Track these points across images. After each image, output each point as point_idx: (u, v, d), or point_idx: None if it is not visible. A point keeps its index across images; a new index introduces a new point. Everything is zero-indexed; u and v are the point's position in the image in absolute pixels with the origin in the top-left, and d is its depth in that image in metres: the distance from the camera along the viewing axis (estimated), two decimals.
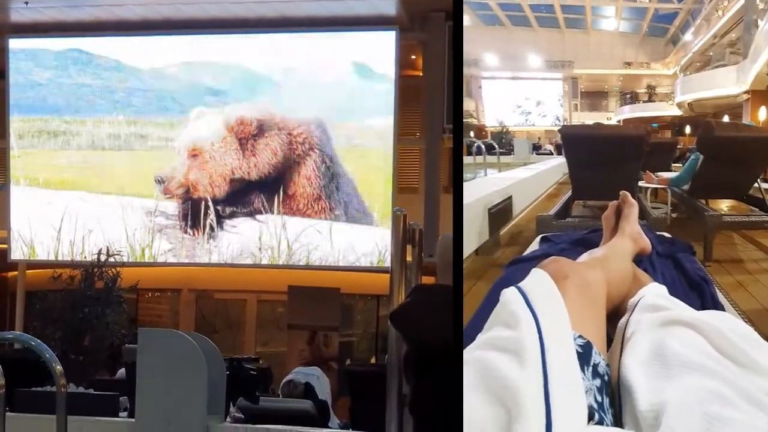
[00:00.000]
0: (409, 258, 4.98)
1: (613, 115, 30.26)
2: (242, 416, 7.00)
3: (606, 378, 1.55)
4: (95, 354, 9.15)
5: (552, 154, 22.63)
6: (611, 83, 30.10)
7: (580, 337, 1.53)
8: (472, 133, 23.34)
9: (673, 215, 8.28)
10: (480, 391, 1.33)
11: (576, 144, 8.22)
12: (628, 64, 29.03)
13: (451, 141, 11.05)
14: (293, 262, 12.38)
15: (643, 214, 2.61)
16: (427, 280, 4.75)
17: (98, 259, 9.77)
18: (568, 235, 3.36)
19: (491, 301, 2.50)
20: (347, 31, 12.46)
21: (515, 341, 1.40)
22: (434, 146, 12.74)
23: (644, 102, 29.96)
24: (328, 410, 8.18)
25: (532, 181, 10.70)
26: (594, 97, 30.49)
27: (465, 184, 11.94)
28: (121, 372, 8.31)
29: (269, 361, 11.76)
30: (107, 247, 10.04)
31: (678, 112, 28.24)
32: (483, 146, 14.18)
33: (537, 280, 1.64)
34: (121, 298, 9.61)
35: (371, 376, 7.65)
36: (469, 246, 6.39)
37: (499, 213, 7.29)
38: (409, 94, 13.12)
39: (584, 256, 2.34)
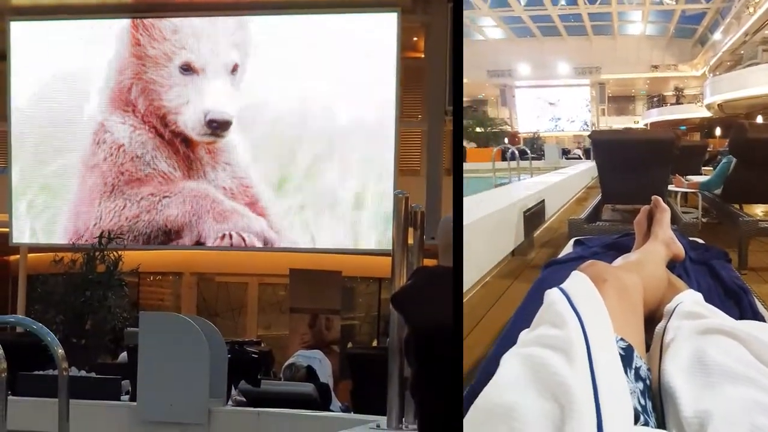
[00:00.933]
0: (410, 241, 4.97)
1: (641, 119, 29.99)
2: (244, 399, 7.02)
3: (648, 382, 1.57)
4: (97, 338, 9.15)
5: (580, 158, 22.88)
6: (638, 87, 29.95)
7: (621, 340, 1.54)
8: (506, 140, 23.75)
9: (704, 220, 8.17)
10: (532, 385, 1.34)
11: (606, 148, 8.22)
12: (655, 67, 28.68)
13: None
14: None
15: (673, 219, 2.64)
16: (429, 262, 4.73)
17: (100, 242, 9.76)
18: (600, 238, 3.38)
19: (532, 300, 2.52)
20: (349, 13, 12.41)
21: (563, 340, 1.42)
22: (436, 128, 12.71)
23: (672, 105, 29.59)
24: (330, 393, 8.18)
25: (562, 185, 10.97)
26: (621, 101, 30.34)
27: (501, 188, 12.07)
28: (123, 356, 8.32)
29: (271, 344, 11.78)
30: (108, 230, 10.03)
31: (707, 114, 27.94)
32: (516, 152, 14.57)
33: (578, 283, 1.65)
34: (122, 281, 9.61)
35: (373, 359, 7.67)
36: (506, 247, 6.59)
37: (533, 216, 7.45)
38: (411, 76, 13.08)
39: (619, 261, 2.36)
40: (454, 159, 2.21)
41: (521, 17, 23.84)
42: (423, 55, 13.79)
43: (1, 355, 4.08)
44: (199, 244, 12.30)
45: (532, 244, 7.25)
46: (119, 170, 12.50)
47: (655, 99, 30.19)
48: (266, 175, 12.34)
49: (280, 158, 12.33)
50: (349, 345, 13.49)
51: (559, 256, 3.33)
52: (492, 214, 6.45)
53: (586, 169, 13.77)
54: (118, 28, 12.66)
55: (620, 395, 1.36)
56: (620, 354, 1.49)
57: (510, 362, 1.45)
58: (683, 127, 27.23)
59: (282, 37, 12.41)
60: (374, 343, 14.11)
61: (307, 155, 12.29)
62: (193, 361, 6.43)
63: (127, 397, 7.08)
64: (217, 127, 12.21)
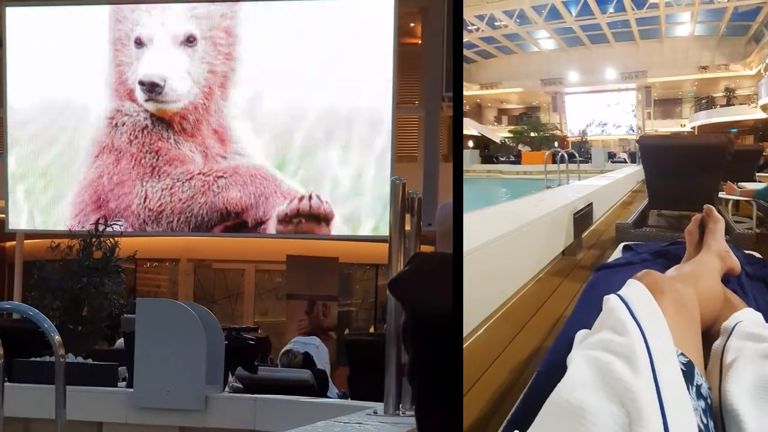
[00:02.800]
0: (407, 227, 4.96)
1: (687, 122, 29.51)
2: (241, 386, 7.01)
3: (709, 401, 1.53)
4: (94, 324, 9.12)
5: (626, 161, 22.99)
6: (685, 89, 29.56)
7: (682, 355, 1.51)
8: (556, 144, 24.12)
9: (758, 231, 7.88)
10: (600, 388, 1.34)
11: (654, 153, 8.14)
12: (704, 68, 28.15)
13: (451, 109, 10.99)
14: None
15: (726, 229, 2.58)
16: (426, 248, 4.73)
17: (96, 228, 9.72)
18: (649, 245, 3.34)
19: (586, 301, 2.52)
20: None
21: (626, 347, 1.41)
22: (433, 114, 12.70)
23: (722, 106, 28.73)
24: (327, 380, 8.19)
25: (609, 189, 11.03)
26: (667, 105, 30.01)
27: (552, 190, 12.12)
28: (120, 342, 8.32)
29: (268, 330, 11.78)
30: (105, 216, 10.01)
31: (762, 115, 27.01)
32: (566, 155, 15.15)
33: (636, 292, 1.63)
34: (119, 268, 9.56)
35: (370, 346, 7.66)
36: (557, 248, 6.69)
37: (582, 218, 7.49)
38: (407, 62, 13.05)
39: (672, 271, 2.30)
40: (454, 146, 2.20)
41: (572, 27, 24.17)
42: (420, 41, 13.76)
43: None
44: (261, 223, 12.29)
45: (580, 245, 7.28)
46: (150, 150, 12.51)
47: (704, 101, 29.36)
48: (263, 161, 12.31)
49: (276, 145, 12.30)
50: (346, 331, 13.49)
51: (609, 260, 3.32)
52: (547, 215, 6.60)
53: (631, 173, 13.88)
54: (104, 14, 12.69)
55: (684, 409, 1.35)
56: (681, 369, 1.46)
57: (578, 362, 1.44)
58: (734, 130, 26.56)
59: (278, 23, 12.36)
60: (371, 330, 14.11)
61: (304, 142, 12.26)
62: (190, 347, 6.43)
63: (123, 383, 7.07)
64: (147, 89, 12.26)
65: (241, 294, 14.91)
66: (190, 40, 12.27)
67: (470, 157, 23.97)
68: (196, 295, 14.38)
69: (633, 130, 28.96)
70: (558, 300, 5.14)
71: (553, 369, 1.56)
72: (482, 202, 14.62)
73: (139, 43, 12.39)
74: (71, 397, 4.68)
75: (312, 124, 12.22)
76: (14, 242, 14.13)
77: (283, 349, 8.64)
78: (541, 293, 5.42)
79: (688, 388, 1.44)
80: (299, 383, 7.32)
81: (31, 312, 4.72)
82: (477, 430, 3.08)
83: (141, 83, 12.29)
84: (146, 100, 12.35)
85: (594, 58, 26.76)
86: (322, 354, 8.92)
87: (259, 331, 9.89)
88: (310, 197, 12.02)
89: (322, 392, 7.58)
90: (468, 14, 21.76)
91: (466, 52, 24.03)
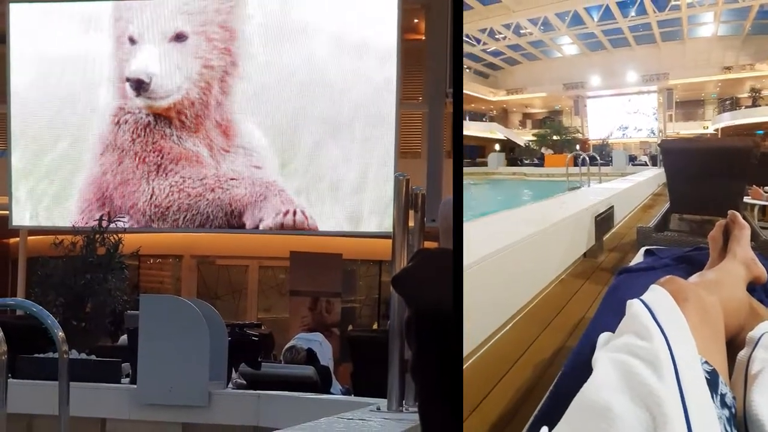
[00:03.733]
0: (411, 223, 4.96)
1: (710, 124, 29.07)
2: (244, 382, 7.02)
3: (733, 410, 1.52)
4: (97, 320, 9.14)
5: (647, 164, 22.93)
6: (708, 90, 29.14)
7: (706, 363, 1.50)
8: (578, 146, 24.28)
9: None
10: (625, 391, 1.35)
11: (676, 157, 8.07)
12: (728, 69, 27.68)
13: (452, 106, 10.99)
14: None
15: (752, 236, 2.53)
16: (430, 244, 4.73)
17: (100, 225, 9.74)
18: (672, 250, 3.31)
19: (608, 304, 2.52)
20: None
21: (651, 353, 1.41)
22: (437, 111, 12.67)
23: (747, 107, 27.95)
24: (330, 376, 8.18)
25: (630, 192, 11.07)
26: (689, 107, 29.60)
27: (574, 193, 12.18)
28: (123, 338, 8.32)
29: (271, 327, 11.78)
30: (108, 212, 10.02)
31: None
32: (587, 158, 15.29)
33: (659, 298, 1.61)
34: (122, 264, 9.59)
35: (373, 342, 7.67)
36: (579, 249, 6.76)
37: (604, 221, 7.53)
38: (411, 58, 13.03)
39: (695, 278, 2.25)
40: (454, 142, 2.19)
41: (594, 32, 24.33)
42: (423, 37, 13.74)
43: (1, 337, 4.08)
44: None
45: (601, 248, 7.32)
46: (154, 149, 12.53)
47: (728, 102, 28.69)
48: (267, 156, 12.31)
49: (280, 141, 12.30)
50: (350, 328, 13.50)
51: (630, 264, 3.31)
52: (570, 217, 6.68)
53: (652, 176, 13.95)
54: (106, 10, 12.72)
55: (709, 416, 1.34)
56: (706, 378, 1.45)
57: (604, 364, 1.44)
58: (760, 132, 25.94)
59: (281, 19, 12.35)
60: (375, 326, 14.12)
61: (308, 138, 12.26)
62: (194, 343, 6.43)
63: (127, 379, 7.08)
64: (134, 85, 12.30)
65: (244, 290, 14.92)
66: (179, 37, 12.27)
67: (497, 159, 24.24)
68: (200, 292, 14.39)
69: (654, 133, 28.75)
70: (580, 301, 5.19)
71: (577, 369, 1.57)
72: (507, 203, 14.76)
73: (132, 40, 12.42)
74: (74, 393, 4.69)
75: (315, 120, 12.22)
76: (18, 238, 14.15)
77: (287, 346, 8.63)
78: (563, 294, 5.47)
79: (712, 397, 1.43)
80: (302, 379, 7.32)
81: (35, 308, 4.72)
82: (503, 425, 3.12)
83: (128, 80, 12.33)
84: (136, 96, 12.38)
85: (615, 62, 26.80)
86: (325, 350, 8.91)
87: (263, 328, 9.89)
88: (294, 212, 12.03)
89: (326, 388, 7.58)
90: (495, 23, 22.08)
91: (494, 59, 24.46)
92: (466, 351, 4.05)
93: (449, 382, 2.11)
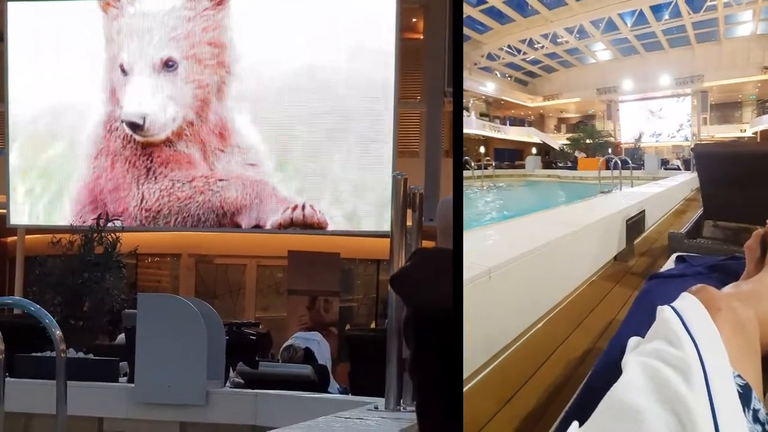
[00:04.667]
0: (409, 222, 4.95)
1: (748, 127, 28.43)
2: (242, 381, 7.02)
3: (766, 427, 1.47)
4: (95, 319, 9.14)
5: (679, 168, 22.76)
6: (746, 92, 28.53)
7: (738, 376, 1.46)
8: (610, 150, 24.43)
9: None
10: (654, 395, 1.34)
11: (710, 163, 7.91)
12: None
13: (452, 105, 11.00)
14: None
15: None
16: (428, 244, 4.72)
17: (97, 224, 9.73)
18: (704, 258, 3.25)
19: (638, 309, 2.47)
20: None
21: (681, 361, 1.39)
22: (435, 110, 12.66)
23: None
24: (328, 375, 8.18)
25: (662, 196, 10.97)
26: (725, 109, 29.02)
27: (605, 196, 12.11)
28: (121, 337, 8.32)
29: (269, 326, 11.77)
30: (106, 212, 10.02)
31: None
32: (619, 162, 15.49)
33: (691, 307, 1.58)
34: (120, 263, 9.58)
35: (371, 341, 7.66)
36: (610, 252, 6.78)
37: (635, 225, 7.52)
38: (409, 58, 13.03)
39: (729, 288, 2.14)
40: (453, 141, 2.19)
41: (627, 37, 24.48)
42: (422, 36, 13.73)
43: None
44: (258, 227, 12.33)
45: (632, 252, 7.31)
46: (143, 153, 12.55)
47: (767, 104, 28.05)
48: (263, 157, 12.31)
49: (279, 140, 12.30)
50: (348, 327, 13.50)
51: (661, 269, 3.29)
52: (601, 220, 6.73)
53: (685, 181, 13.68)
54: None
55: (739, 429, 1.33)
56: (738, 392, 1.42)
57: (633, 367, 1.43)
58: None
59: (279, 18, 12.35)
60: (373, 325, 14.11)
61: (306, 137, 12.26)
62: (191, 342, 6.43)
63: (124, 378, 7.08)
64: (129, 126, 12.39)
65: (242, 289, 14.91)
66: (169, 65, 12.26)
67: (533, 162, 24.47)
68: (198, 291, 14.38)
69: (688, 138, 28.44)
70: (610, 304, 5.22)
71: (607, 370, 1.58)
72: (542, 204, 14.93)
73: (123, 71, 12.42)
74: (72, 392, 4.69)
75: (313, 119, 12.22)
76: (15, 237, 14.13)
77: (284, 345, 8.64)
78: (594, 296, 5.51)
79: (744, 411, 1.41)
80: (300, 378, 7.32)
81: (33, 307, 4.72)
82: (534, 419, 3.17)
83: (122, 121, 12.38)
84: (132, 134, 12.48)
85: (648, 66, 26.65)
86: (323, 349, 8.91)
87: (260, 327, 9.90)
88: (303, 207, 12.04)
89: (323, 387, 7.58)
90: (534, 34, 22.33)
91: (532, 68, 24.78)
92: (499, 346, 4.10)
93: (447, 382, 2.11)
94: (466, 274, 3.86)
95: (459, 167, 1.93)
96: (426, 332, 3.79)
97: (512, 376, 3.82)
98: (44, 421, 5.97)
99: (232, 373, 7.10)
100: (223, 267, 15.08)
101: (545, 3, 19.96)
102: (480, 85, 22.64)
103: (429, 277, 3.80)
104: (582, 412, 1.46)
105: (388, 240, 4.88)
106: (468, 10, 17.15)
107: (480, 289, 3.90)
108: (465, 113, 21.11)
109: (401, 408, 4.88)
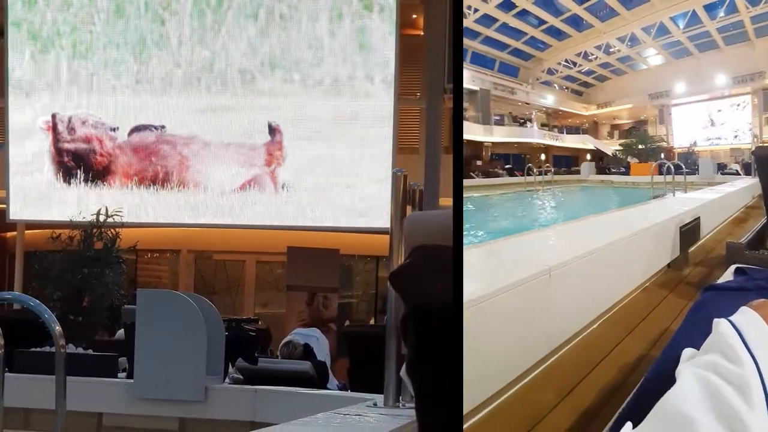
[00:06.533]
0: None
1: None
2: (241, 377, 7.01)
3: None
4: (94, 315, 9.14)
5: (738, 173, 22.28)
6: None
7: None
8: (662, 155, 24.37)
9: None
10: (709, 409, 1.32)
11: None
12: None
13: (452, 101, 11.00)
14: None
15: None
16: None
17: (97, 219, 9.72)
18: (766, 271, 3.22)
19: (693, 320, 2.43)
20: None
21: (740, 377, 1.36)
22: (435, 106, 12.66)
23: None
24: (327, 371, 8.19)
25: (718, 203, 10.53)
26: None
27: (658, 201, 11.89)
28: (120, 333, 8.32)
29: (268, 322, 11.78)
30: (106, 207, 10.00)
31: None
32: (672, 167, 15.25)
33: (750, 322, 1.54)
34: (120, 258, 9.58)
35: (370, 338, 7.65)
36: (663, 259, 6.62)
37: (689, 232, 7.33)
38: (409, 54, 13.02)
39: None
40: (454, 138, 2.18)
41: (680, 40, 24.29)
42: (422, 33, 13.73)
43: None
44: None
45: (686, 261, 7.13)
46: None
47: None
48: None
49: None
50: (347, 323, 13.49)
51: (719, 281, 3.24)
52: (654, 226, 6.63)
53: (745, 187, 13.03)
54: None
55: None
56: None
57: (688, 377, 1.41)
58: None
59: (280, 13, 12.35)
60: (372, 322, 14.12)
61: (306, 133, 12.26)
62: (191, 338, 6.43)
63: (124, 374, 7.07)
64: None
65: (241, 285, 14.92)
66: None
67: (588, 168, 24.61)
68: (197, 286, 14.38)
69: (749, 140, 27.82)
70: (663, 312, 5.17)
71: (659, 378, 1.58)
72: (595, 208, 15.05)
73: None
74: (71, 387, 4.68)
75: (314, 115, 12.22)
76: (15, 232, 14.13)
77: (284, 341, 8.64)
78: (647, 302, 5.47)
79: None
80: (299, 375, 7.32)
81: (32, 302, 4.71)
82: (590, 417, 3.19)
83: None
84: None
85: (702, 67, 26.19)
86: (322, 345, 8.92)
87: (260, 323, 9.90)
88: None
89: (322, 384, 7.58)
90: (589, 46, 22.63)
91: (587, 78, 25.12)
92: (558, 341, 4.12)
93: (447, 380, 2.11)
94: (529, 271, 3.90)
95: (459, 164, 1.93)
96: (425, 330, 3.79)
97: (570, 372, 3.87)
98: (43, 416, 5.96)
99: (231, 369, 7.09)
100: (223, 263, 15.09)
101: (598, 16, 20.44)
102: (541, 98, 23.32)
103: (429, 275, 3.80)
104: (634, 416, 1.45)
105: (388, 236, 4.87)
106: (531, 31, 19.08)
107: (541, 286, 3.94)
108: (528, 124, 22.23)
109: (400, 405, 4.88)
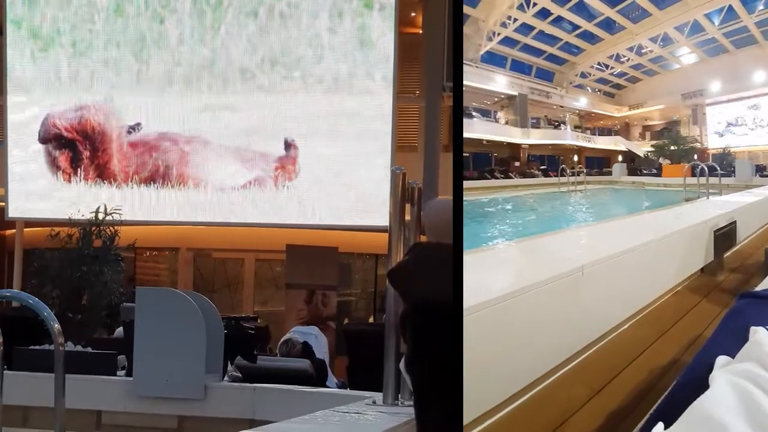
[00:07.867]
0: (407, 217, 4.96)
1: None
2: (240, 375, 7.01)
3: None
4: (93, 313, 9.15)
5: None
6: None
7: None
8: (695, 156, 24.12)
9: None
10: (743, 416, 1.33)
11: None
12: None
13: (451, 99, 10.98)
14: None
15: None
16: (426, 238, 4.73)
17: (96, 217, 9.72)
18: None
19: (728, 328, 2.44)
20: None
21: None
22: (434, 104, 12.65)
23: None
24: (326, 369, 8.19)
25: (756, 207, 10.18)
26: None
27: (691, 204, 11.59)
28: (119, 331, 8.32)
29: (267, 320, 11.79)
30: (105, 205, 10.00)
31: None
32: (706, 168, 14.81)
33: None
34: (119, 256, 9.59)
35: (369, 336, 7.66)
36: (695, 263, 6.48)
37: (724, 236, 7.13)
38: (408, 52, 13.01)
39: None
40: (453, 137, 2.18)
41: (715, 37, 23.93)
42: (421, 31, 13.72)
43: None
44: None
45: (721, 266, 6.93)
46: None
47: None
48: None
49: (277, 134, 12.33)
50: (346, 321, 13.50)
51: (756, 288, 3.20)
52: (686, 229, 6.48)
53: None
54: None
55: None
56: None
57: (722, 384, 1.42)
58: None
59: (278, 11, 12.35)
60: (371, 320, 14.11)
61: (305, 132, 12.26)
62: (190, 336, 6.43)
63: (123, 372, 7.08)
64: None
65: (240, 283, 14.90)
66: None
67: (619, 169, 24.65)
68: (196, 284, 14.36)
69: None
70: (696, 318, 5.10)
71: (691, 383, 1.58)
72: (626, 209, 15.06)
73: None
74: (70, 385, 4.68)
75: (313, 114, 12.22)
76: (14, 230, 14.12)
77: (283, 339, 8.64)
78: (679, 306, 5.41)
79: None
80: (298, 373, 7.32)
81: (31, 300, 4.71)
82: (621, 416, 3.23)
83: None
84: None
85: (739, 64, 25.73)
86: (321, 343, 8.91)
87: (259, 321, 9.89)
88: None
89: (321, 382, 7.58)
90: (621, 49, 22.73)
91: (618, 80, 25.27)
92: (588, 339, 4.16)
93: (446, 376, 2.11)
94: (562, 268, 3.91)
95: (459, 162, 1.93)
96: (424, 327, 3.79)
97: (600, 370, 3.88)
98: (42, 414, 5.97)
99: (230, 367, 7.09)
100: (222, 261, 15.07)
101: (630, 18, 20.56)
102: (574, 101, 23.62)
103: (427, 272, 3.80)
104: (665, 418, 1.46)
105: (387, 234, 4.88)
106: (565, 37, 19.53)
107: (574, 282, 3.96)
108: (562, 127, 22.53)
109: (399, 402, 4.89)
